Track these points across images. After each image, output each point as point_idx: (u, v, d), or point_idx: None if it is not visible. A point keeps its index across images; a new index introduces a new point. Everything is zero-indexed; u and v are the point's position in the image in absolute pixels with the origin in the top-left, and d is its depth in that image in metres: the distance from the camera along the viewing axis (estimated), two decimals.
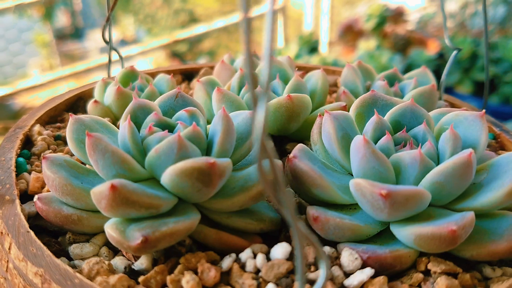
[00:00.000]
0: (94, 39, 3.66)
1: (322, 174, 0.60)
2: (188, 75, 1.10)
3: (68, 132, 0.62)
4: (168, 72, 1.06)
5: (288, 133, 0.80)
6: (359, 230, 0.55)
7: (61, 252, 0.58)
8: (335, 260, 0.54)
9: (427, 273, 0.53)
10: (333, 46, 2.81)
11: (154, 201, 0.52)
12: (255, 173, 0.59)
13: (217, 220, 0.58)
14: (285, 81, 0.83)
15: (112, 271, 0.54)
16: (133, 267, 0.55)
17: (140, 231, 0.50)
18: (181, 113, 0.63)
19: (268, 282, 0.50)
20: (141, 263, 0.55)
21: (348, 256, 0.53)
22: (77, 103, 0.94)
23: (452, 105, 0.93)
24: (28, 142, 0.79)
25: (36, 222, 0.60)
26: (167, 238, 0.51)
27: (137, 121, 0.63)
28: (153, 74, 1.00)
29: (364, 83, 0.90)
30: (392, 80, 0.89)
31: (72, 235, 0.60)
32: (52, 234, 0.61)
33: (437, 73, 2.45)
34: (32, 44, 3.05)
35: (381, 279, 0.50)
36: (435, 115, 0.66)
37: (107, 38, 0.89)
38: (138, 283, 0.51)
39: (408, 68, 2.20)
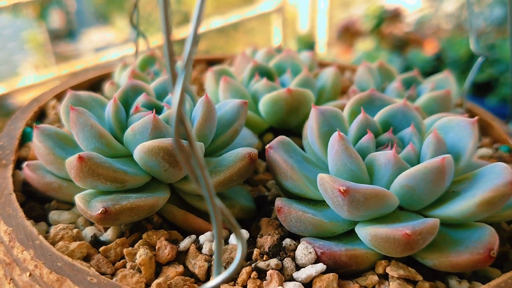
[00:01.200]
0: (88, 40, 3.66)
1: (295, 167, 0.56)
2: (212, 64, 1.08)
3: (62, 106, 0.62)
4: (194, 61, 1.07)
5: (289, 126, 0.77)
6: (321, 226, 0.52)
7: (42, 217, 0.60)
8: (290, 252, 0.51)
9: (385, 276, 0.50)
10: (331, 46, 2.83)
11: (119, 176, 0.53)
12: (227, 159, 0.57)
13: (189, 202, 0.58)
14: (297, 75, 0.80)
15: (77, 238, 0.55)
16: (100, 237, 0.56)
17: (101, 203, 0.51)
18: (170, 96, 0.63)
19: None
20: (108, 234, 0.56)
21: (303, 250, 0.50)
22: (99, 83, 0.96)
23: (472, 114, 0.86)
24: (42, 115, 0.82)
25: (29, 188, 0.62)
26: (127, 212, 0.51)
27: (128, 100, 0.63)
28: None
29: (381, 83, 0.86)
30: (409, 83, 0.85)
31: (56, 203, 0.61)
32: (41, 200, 0.62)
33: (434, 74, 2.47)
34: (27, 44, 3.05)
35: (331, 276, 0.47)
36: (432, 119, 0.62)
37: (134, 22, 0.92)
38: (99, 252, 0.52)
39: (406, 69, 2.19)
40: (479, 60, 0.82)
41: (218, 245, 0.33)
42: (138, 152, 0.54)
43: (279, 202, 0.54)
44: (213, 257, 0.51)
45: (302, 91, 0.73)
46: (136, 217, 0.53)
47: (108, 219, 0.51)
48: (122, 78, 0.89)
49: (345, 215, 0.51)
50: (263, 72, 0.81)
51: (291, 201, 0.55)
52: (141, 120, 0.56)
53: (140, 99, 0.62)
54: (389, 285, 0.48)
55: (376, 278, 0.49)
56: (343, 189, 0.48)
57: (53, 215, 0.60)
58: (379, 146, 0.59)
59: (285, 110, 0.73)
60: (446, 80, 0.85)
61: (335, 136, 0.54)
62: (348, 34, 2.52)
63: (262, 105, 0.74)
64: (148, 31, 1.03)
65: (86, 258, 0.52)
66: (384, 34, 2.44)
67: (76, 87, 0.91)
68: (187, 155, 0.30)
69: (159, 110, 0.62)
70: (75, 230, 0.56)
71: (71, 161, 0.52)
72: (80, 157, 0.51)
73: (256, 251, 0.51)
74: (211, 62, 1.12)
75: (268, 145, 0.58)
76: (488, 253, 0.47)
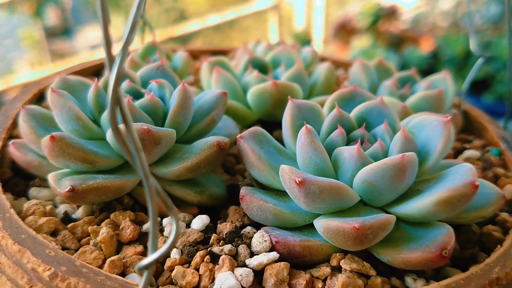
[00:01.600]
0: (84, 37, 3.66)
1: (262, 157, 0.56)
2: (216, 55, 1.06)
3: (50, 88, 0.62)
4: (200, 51, 1.09)
5: (277, 119, 0.74)
6: (282, 216, 0.52)
7: (24, 193, 0.62)
8: (247, 239, 0.52)
9: (339, 269, 0.50)
10: (327, 44, 2.83)
11: (89, 157, 0.54)
12: (197, 147, 0.58)
13: (162, 186, 0.58)
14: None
15: (49, 214, 0.57)
16: (72, 215, 0.58)
17: (69, 181, 0.53)
18: (152, 84, 0.64)
19: (174, 247, 0.51)
20: (79, 212, 0.58)
21: (258, 238, 0.50)
22: (104, 69, 0.96)
23: (467, 115, 0.86)
24: (42, 97, 0.83)
25: (18, 165, 0.64)
26: (94, 192, 0.53)
27: None
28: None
29: (377, 81, 0.85)
30: (405, 82, 0.84)
31: (39, 180, 0.63)
32: (27, 177, 0.64)
33: (430, 72, 2.46)
34: (22, 41, 3.05)
35: (282, 264, 0.47)
36: (410, 118, 0.61)
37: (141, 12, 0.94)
38: (67, 228, 0.55)
39: (403, 67, 2.20)
40: (479, 61, 0.80)
41: (153, 224, 0.33)
42: (108, 135, 0.56)
43: (243, 190, 0.54)
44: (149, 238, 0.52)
45: (288, 85, 0.72)
46: (104, 197, 0.55)
47: (75, 197, 0.53)
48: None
49: (303, 207, 0.51)
50: (258, 64, 0.80)
51: (256, 191, 0.55)
52: None
53: (124, 85, 0.63)
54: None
55: (329, 270, 0.49)
56: (299, 180, 0.48)
57: (33, 191, 0.62)
58: (351, 141, 0.58)
59: (271, 102, 0.73)
60: (443, 80, 0.83)
61: (302, 129, 0.54)
62: (344, 31, 2.53)
63: (250, 97, 0.74)
64: (143, 28, 1.04)
65: (54, 233, 0.54)
66: (380, 31, 2.44)
67: (81, 72, 0.91)
68: (123, 137, 0.30)
69: (139, 96, 0.63)
70: (48, 207, 0.57)
71: (45, 140, 0.54)
72: (52, 137, 0.53)
73: (214, 236, 0.52)
74: (215, 53, 1.11)
75: (239, 135, 0.58)
76: (439, 252, 0.46)
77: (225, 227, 0.53)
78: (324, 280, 0.48)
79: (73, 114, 0.57)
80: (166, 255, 0.47)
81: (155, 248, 0.34)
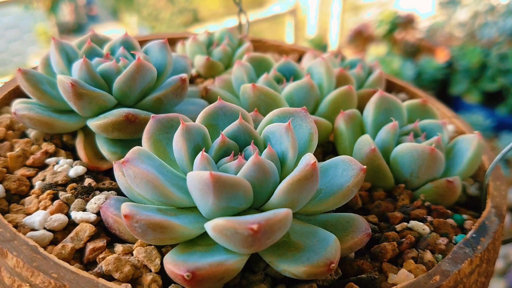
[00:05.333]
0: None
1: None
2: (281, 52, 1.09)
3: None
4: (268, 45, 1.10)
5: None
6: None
7: None
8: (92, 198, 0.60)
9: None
10: (342, 50, 2.89)
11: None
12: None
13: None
14: (295, 76, 0.80)
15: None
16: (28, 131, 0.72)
17: None
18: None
19: (41, 181, 0.64)
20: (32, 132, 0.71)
21: (95, 200, 0.59)
22: (176, 40, 1.01)
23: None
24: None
25: None
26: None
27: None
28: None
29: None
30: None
31: None
32: None
33: (446, 82, 2.54)
34: (34, 36, 3.13)
35: (90, 226, 0.55)
36: (262, 124, 0.61)
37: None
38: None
39: (418, 75, 2.27)
40: None
41: None
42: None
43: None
44: None
45: (267, 92, 0.73)
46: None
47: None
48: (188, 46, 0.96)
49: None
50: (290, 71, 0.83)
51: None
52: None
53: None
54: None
55: (121, 248, 0.55)
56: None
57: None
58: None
59: (249, 104, 0.74)
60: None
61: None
62: (360, 38, 2.59)
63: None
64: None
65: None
66: (396, 40, 2.50)
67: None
68: None
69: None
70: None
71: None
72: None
73: (70, 185, 0.63)
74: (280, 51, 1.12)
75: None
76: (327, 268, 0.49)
77: (91, 182, 0.63)
78: (111, 250, 0.55)
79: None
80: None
81: None
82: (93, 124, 0.66)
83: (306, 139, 0.59)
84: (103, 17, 3.78)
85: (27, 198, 0.62)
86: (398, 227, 0.61)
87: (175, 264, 0.48)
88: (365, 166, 0.55)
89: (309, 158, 0.51)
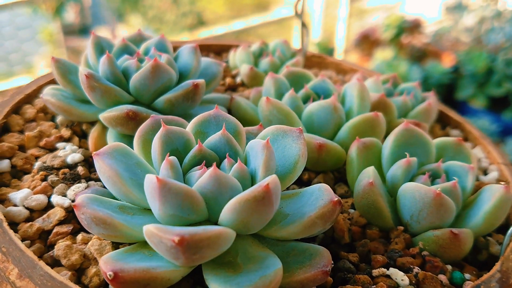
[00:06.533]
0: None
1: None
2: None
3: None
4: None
5: None
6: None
7: None
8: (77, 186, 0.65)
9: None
10: (348, 54, 2.92)
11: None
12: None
13: None
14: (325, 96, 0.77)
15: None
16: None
17: None
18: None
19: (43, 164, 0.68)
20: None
21: (74, 188, 0.64)
22: (228, 48, 1.05)
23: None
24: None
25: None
26: None
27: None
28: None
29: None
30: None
31: None
32: None
33: (451, 87, 2.56)
34: (39, 38, 3.16)
35: (61, 210, 0.60)
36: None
37: (299, 10, 0.95)
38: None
39: (425, 80, 2.29)
40: None
41: None
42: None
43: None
44: None
45: (280, 108, 0.72)
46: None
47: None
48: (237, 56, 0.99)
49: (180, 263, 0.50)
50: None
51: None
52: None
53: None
54: None
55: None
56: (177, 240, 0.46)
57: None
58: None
59: (262, 118, 0.74)
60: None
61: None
62: (367, 42, 2.61)
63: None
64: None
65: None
66: (403, 44, 2.53)
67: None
68: None
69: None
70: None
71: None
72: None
73: (63, 170, 0.68)
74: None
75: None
76: None
77: (82, 170, 0.67)
78: (74, 237, 0.59)
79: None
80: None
81: None
82: (101, 116, 0.69)
83: (292, 160, 0.57)
84: (108, 19, 3.80)
85: (25, 176, 0.67)
86: (376, 271, 0.57)
87: (105, 261, 0.47)
88: (336, 198, 0.52)
89: (268, 179, 0.48)
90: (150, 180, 0.47)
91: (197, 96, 0.72)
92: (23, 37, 3.00)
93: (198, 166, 0.54)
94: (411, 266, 0.57)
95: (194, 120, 0.61)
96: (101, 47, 0.75)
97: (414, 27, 2.54)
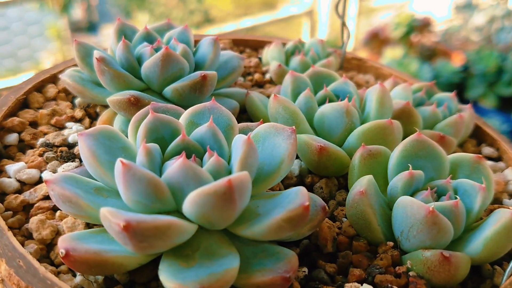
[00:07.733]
0: (108, 33, 3.79)
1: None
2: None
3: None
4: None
5: None
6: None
7: None
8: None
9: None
10: (358, 52, 2.93)
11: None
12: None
13: None
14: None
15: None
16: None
17: None
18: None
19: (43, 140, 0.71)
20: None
21: (65, 166, 0.66)
22: (263, 44, 1.05)
23: None
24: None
25: None
26: None
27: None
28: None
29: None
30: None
31: None
32: None
33: (461, 86, 2.56)
34: (46, 35, 3.19)
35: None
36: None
37: (340, 11, 0.95)
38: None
39: (435, 78, 2.29)
40: None
41: None
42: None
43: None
44: None
45: (286, 106, 0.71)
46: None
47: None
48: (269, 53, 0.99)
49: (133, 250, 0.50)
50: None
51: None
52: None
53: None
54: None
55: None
56: (123, 225, 0.46)
57: None
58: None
59: (270, 115, 0.74)
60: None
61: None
62: (376, 40, 2.62)
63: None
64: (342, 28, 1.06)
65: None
66: (412, 42, 2.53)
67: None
68: None
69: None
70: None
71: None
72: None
73: (60, 148, 0.71)
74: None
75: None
76: None
77: (78, 150, 0.69)
78: (53, 213, 0.60)
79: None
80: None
81: None
82: (108, 99, 0.70)
83: (278, 160, 0.55)
84: (115, 16, 3.82)
85: (29, 151, 0.70)
86: (348, 285, 0.54)
87: (63, 239, 0.48)
88: (307, 203, 0.49)
89: (234, 175, 0.46)
90: (117, 164, 0.47)
91: (205, 88, 0.71)
92: (32, 33, 3.03)
93: (177, 156, 0.53)
94: (389, 285, 0.54)
95: (189, 110, 0.60)
96: (123, 34, 0.77)
97: (424, 25, 2.55)
